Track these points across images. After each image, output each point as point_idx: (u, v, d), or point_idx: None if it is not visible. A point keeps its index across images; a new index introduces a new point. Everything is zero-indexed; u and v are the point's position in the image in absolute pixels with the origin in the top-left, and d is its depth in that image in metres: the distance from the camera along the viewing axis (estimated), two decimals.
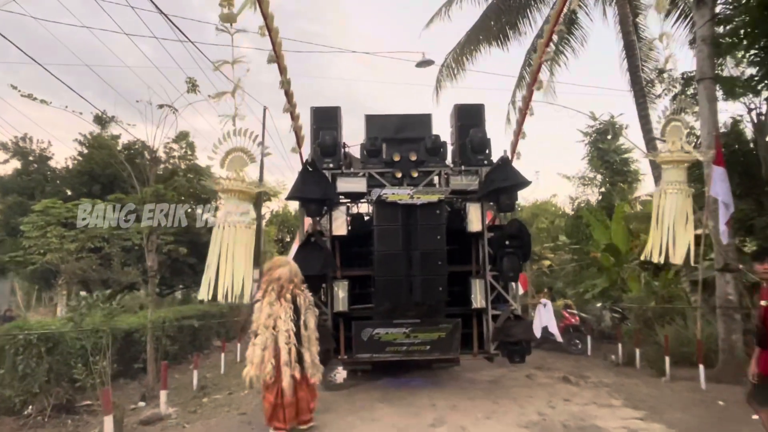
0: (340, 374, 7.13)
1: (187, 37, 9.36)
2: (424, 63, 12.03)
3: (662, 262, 5.03)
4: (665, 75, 12.82)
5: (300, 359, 4.55)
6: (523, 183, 6.45)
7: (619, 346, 9.83)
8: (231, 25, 4.53)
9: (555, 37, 13.32)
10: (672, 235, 5.00)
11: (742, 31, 8.52)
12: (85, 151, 15.25)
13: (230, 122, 4.64)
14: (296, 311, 4.59)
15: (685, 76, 11.85)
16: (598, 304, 13.45)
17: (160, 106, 10.26)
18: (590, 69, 17.45)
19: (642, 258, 5.13)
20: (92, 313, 8.28)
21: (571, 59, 13.67)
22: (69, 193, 15.22)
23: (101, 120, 14.18)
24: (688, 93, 11.79)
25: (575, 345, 11.20)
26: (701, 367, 7.14)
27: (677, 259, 4.80)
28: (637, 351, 9.15)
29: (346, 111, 7.51)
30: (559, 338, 9.50)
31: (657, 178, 12.07)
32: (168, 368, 10.47)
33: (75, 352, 7.73)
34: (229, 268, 4.63)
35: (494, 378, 7.87)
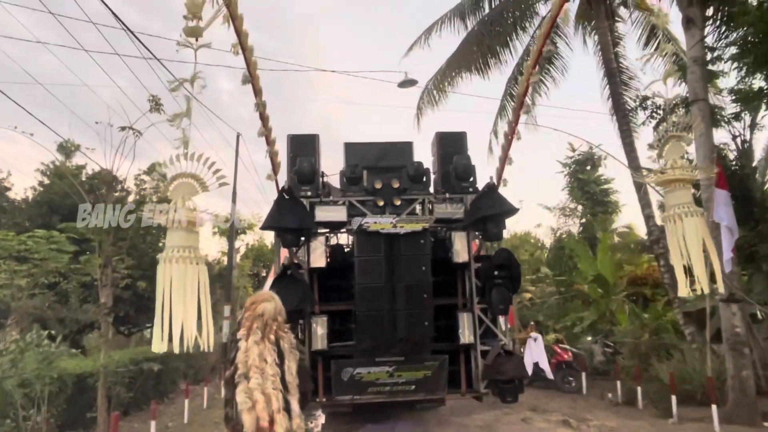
0: (318, 421, 6.82)
1: (151, 53, 9.24)
2: (407, 83, 12.05)
3: (698, 293, 4.78)
4: (649, 102, 13.21)
5: (287, 407, 4.34)
6: (511, 210, 6.38)
7: (618, 383, 9.67)
8: (196, 39, 4.21)
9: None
10: (697, 261, 4.63)
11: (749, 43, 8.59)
12: (46, 181, 14.83)
13: (183, 145, 4.29)
14: (280, 354, 4.36)
15: (669, 103, 12.21)
16: (588, 338, 13.39)
17: (122, 129, 10.03)
18: (571, 97, 17.97)
19: (682, 294, 4.76)
20: (25, 357, 7.79)
21: (552, 89, 14.02)
22: (27, 224, 14.71)
23: (65, 149, 13.85)
24: (674, 120, 12.12)
25: (569, 383, 11.11)
26: (714, 407, 6.95)
27: (699, 289, 4.51)
28: (639, 389, 8.98)
29: (327, 145, 7.47)
30: (551, 375, 9.35)
31: (644, 206, 12.26)
32: (123, 418, 9.84)
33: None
34: (181, 310, 4.01)
35: (487, 422, 7.66)
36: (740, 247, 9.02)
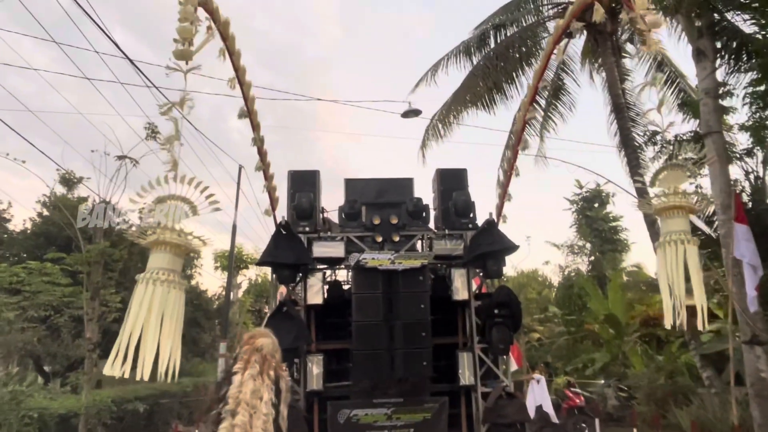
0: None
1: (148, 80, 9.59)
2: (411, 113, 12.27)
3: (676, 327, 4.75)
4: (658, 137, 13.42)
5: None
6: (511, 248, 6.48)
7: (635, 431, 9.61)
8: (186, 63, 4.30)
9: (543, 102, 14.04)
10: (682, 293, 4.57)
11: None
12: (45, 212, 15.16)
13: (174, 167, 4.30)
14: (277, 394, 4.18)
15: (678, 137, 12.37)
16: (601, 381, 13.19)
17: (119, 158, 10.24)
18: (579, 130, 18.22)
19: (668, 324, 4.71)
20: None
21: (560, 124, 14.29)
22: (24, 256, 14.94)
23: (67, 180, 14.20)
24: (684, 154, 12.26)
25: (581, 429, 10.77)
26: None
27: (700, 324, 4.48)
28: None
29: (332, 185, 7.67)
30: (555, 419, 9.20)
31: (654, 237, 12.30)
32: None
33: None
34: (155, 335, 3.85)
35: None
36: (763, 284, 8.93)
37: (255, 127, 5.83)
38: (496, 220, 6.62)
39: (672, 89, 13.64)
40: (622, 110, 13.63)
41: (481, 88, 13.88)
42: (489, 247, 6.36)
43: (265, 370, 4.31)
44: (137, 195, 4.05)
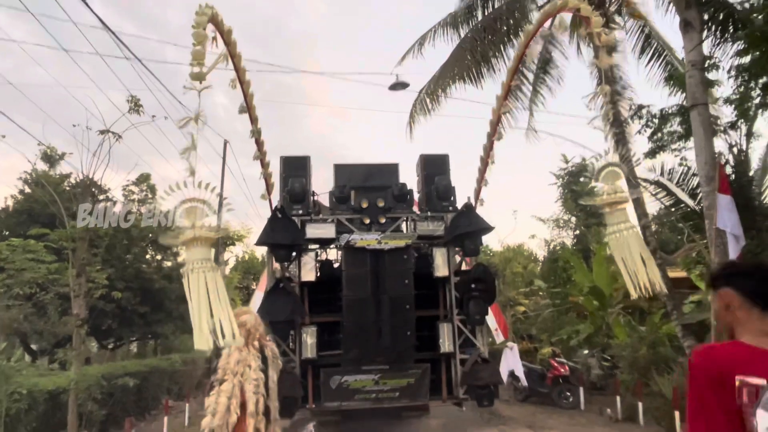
0: None
1: (131, 53, 10.52)
2: (399, 85, 12.99)
3: (644, 295, 5.99)
4: (644, 111, 14.48)
5: (266, 412, 4.63)
6: (486, 228, 7.69)
7: (618, 399, 10.24)
8: (200, 82, 5.44)
9: (531, 76, 15.01)
10: (640, 268, 5.82)
11: None
12: (27, 189, 15.98)
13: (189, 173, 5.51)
14: (264, 361, 4.72)
15: (663, 112, 13.43)
16: (585, 352, 14.42)
17: (101, 132, 10.72)
18: (566, 103, 19.26)
19: (633, 296, 6.04)
20: None
21: (548, 98, 15.29)
22: (7, 234, 15.78)
23: (49, 157, 15.03)
24: (668, 128, 13.34)
25: (566, 398, 11.77)
26: None
27: (660, 287, 5.69)
28: (640, 405, 9.49)
29: (321, 162, 8.76)
30: (525, 382, 10.49)
31: (640, 216, 13.47)
32: None
33: None
34: (206, 312, 5.21)
35: None
36: (744, 255, 9.20)
37: (253, 120, 6.90)
38: (473, 204, 7.81)
39: (659, 62, 14.62)
40: (608, 83, 14.60)
41: (468, 61, 14.76)
42: (467, 228, 7.56)
43: (249, 341, 5.33)
44: (164, 192, 5.28)
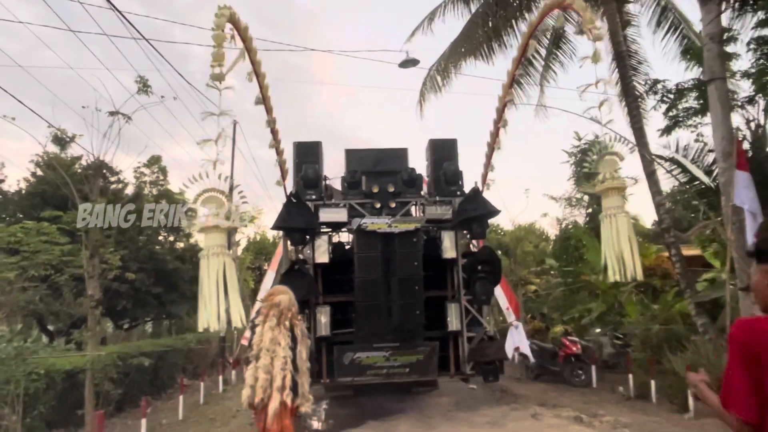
0: (320, 415, 8.70)
1: (139, 33, 11.07)
2: (409, 62, 13.24)
3: (620, 279, 6.62)
4: (659, 86, 14.80)
5: (294, 387, 4.98)
6: (493, 212, 8.34)
7: (630, 377, 10.46)
8: (220, 82, 6.15)
9: (543, 51, 15.39)
10: (623, 253, 6.48)
11: None
12: (39, 172, 16.74)
13: (211, 164, 6.22)
14: (293, 339, 5.05)
15: (679, 86, 13.72)
16: (597, 330, 14.96)
17: (111, 114, 10.55)
18: (580, 78, 19.57)
19: (610, 280, 6.74)
20: None
21: (560, 74, 15.69)
22: (21, 216, 16.54)
23: (60, 140, 15.74)
24: (684, 103, 13.65)
25: (578, 376, 12.12)
26: None
27: (638, 274, 6.34)
28: (653, 383, 9.71)
29: (330, 142, 9.39)
30: (532, 359, 11.14)
31: (654, 194, 13.85)
32: (117, 414, 10.80)
33: None
34: (221, 295, 5.92)
35: (494, 418, 8.38)
36: (761, 233, 9.17)
37: (269, 110, 7.56)
38: (480, 188, 8.45)
39: (675, 36, 14.90)
40: (623, 58, 14.88)
41: (480, 36, 15.16)
42: (474, 212, 8.22)
43: (281, 321, 5.97)
44: (187, 181, 6.03)
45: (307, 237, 8.46)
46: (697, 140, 13.35)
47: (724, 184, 9.14)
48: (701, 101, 13.10)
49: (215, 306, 5.83)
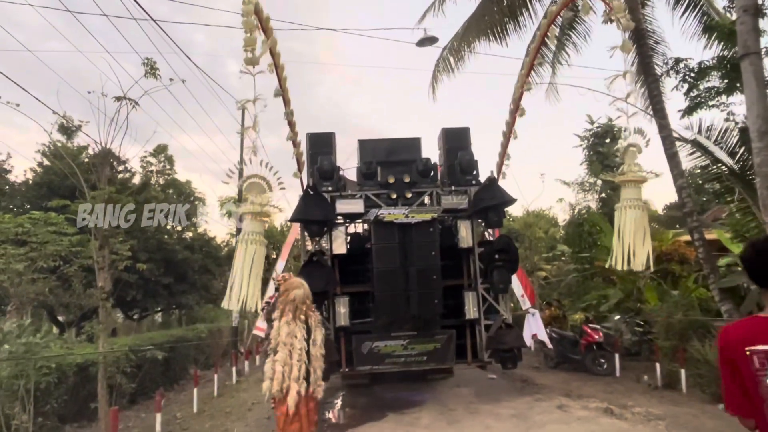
0: (336, 409, 9.18)
1: (147, 13, 11.39)
2: (427, 41, 13.26)
3: (624, 269, 7.10)
4: (681, 65, 15.00)
5: (307, 376, 5.73)
6: (509, 201, 8.81)
7: (657, 366, 10.61)
8: (253, 67, 6.63)
9: (556, 31, 15.64)
10: (633, 245, 6.95)
11: None
12: (46, 162, 17.28)
13: (251, 151, 6.79)
14: (308, 331, 5.80)
15: (702, 64, 13.89)
16: (616, 317, 15.32)
17: (117, 99, 10.63)
18: (595, 59, 19.71)
19: (607, 265, 7.22)
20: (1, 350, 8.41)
21: (573, 55, 15.96)
22: (28, 207, 17.06)
23: (66, 129, 16.26)
24: (706, 82, 13.84)
25: (600, 365, 12.37)
26: None
27: (638, 266, 6.81)
28: (683, 372, 9.79)
29: (336, 129, 9.79)
30: (549, 345, 11.56)
31: (676, 177, 14.06)
32: (130, 407, 11.10)
33: None
34: (247, 279, 6.43)
35: (519, 410, 8.52)
36: None
37: (287, 102, 8.01)
38: (496, 177, 8.91)
39: (695, 13, 15.07)
40: (642, 37, 15.06)
41: (495, 14, 15.39)
42: (490, 201, 8.69)
43: (297, 315, 6.50)
44: (229, 171, 6.81)
45: (325, 228, 8.94)
46: (727, 119, 13.49)
47: (759, 165, 8.84)
48: (727, 80, 13.23)
49: (238, 289, 6.46)
